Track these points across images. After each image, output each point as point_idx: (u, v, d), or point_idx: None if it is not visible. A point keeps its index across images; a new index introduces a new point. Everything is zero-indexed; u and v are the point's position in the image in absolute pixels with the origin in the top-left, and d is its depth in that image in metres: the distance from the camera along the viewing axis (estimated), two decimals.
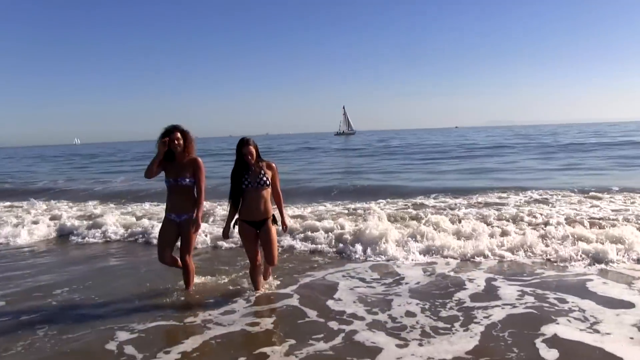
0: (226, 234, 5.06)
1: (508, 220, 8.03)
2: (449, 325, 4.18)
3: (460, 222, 7.79)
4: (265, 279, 5.35)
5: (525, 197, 10.63)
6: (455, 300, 4.80)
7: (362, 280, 5.61)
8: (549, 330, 4.01)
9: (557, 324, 4.13)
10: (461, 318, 4.34)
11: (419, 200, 10.96)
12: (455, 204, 10.07)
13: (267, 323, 4.41)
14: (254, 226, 4.90)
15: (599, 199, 9.93)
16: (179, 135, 4.91)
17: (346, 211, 9.73)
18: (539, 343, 3.77)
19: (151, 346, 3.96)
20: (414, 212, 9.18)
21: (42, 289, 5.65)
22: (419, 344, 3.83)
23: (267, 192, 4.87)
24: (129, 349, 3.90)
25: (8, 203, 13.55)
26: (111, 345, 3.98)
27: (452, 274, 5.73)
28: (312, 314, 4.58)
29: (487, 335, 3.96)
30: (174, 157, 4.98)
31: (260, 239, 4.95)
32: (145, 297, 5.21)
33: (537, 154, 26.57)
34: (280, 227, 5.06)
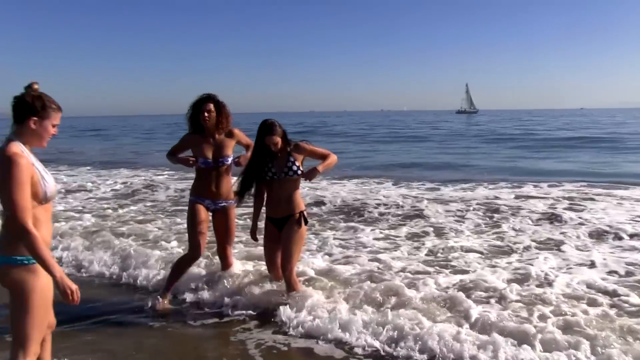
0: (254, 235, 4.22)
1: None
2: None
3: None
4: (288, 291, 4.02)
5: None
6: None
7: None
8: None
9: None
10: None
11: None
12: None
13: None
14: (276, 224, 4.03)
15: None
16: (211, 107, 4.09)
17: None
18: None
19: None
20: None
21: None
22: None
23: (296, 183, 3.95)
24: None
25: None
26: None
27: None
28: None
29: None
30: (203, 131, 4.17)
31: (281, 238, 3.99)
32: None
33: None
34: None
